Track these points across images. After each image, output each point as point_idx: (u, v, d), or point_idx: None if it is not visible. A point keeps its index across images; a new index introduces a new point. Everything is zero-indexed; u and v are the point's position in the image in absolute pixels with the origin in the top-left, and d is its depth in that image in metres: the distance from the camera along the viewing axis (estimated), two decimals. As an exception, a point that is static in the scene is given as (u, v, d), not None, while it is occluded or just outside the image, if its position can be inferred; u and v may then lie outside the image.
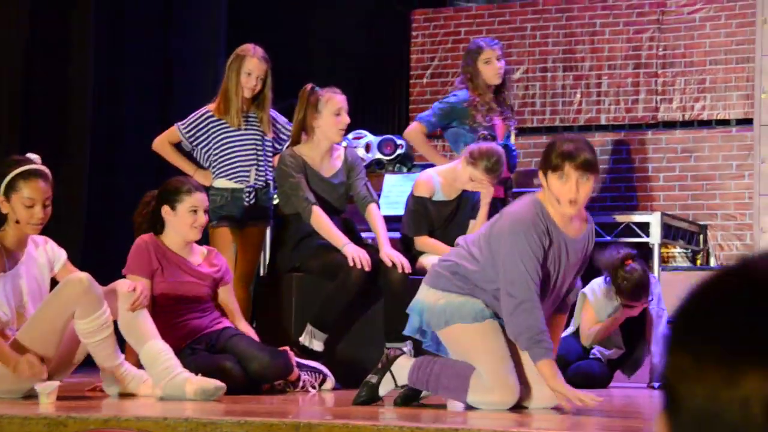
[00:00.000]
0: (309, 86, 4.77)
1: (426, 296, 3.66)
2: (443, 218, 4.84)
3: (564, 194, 3.37)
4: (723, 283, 0.84)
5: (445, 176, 4.84)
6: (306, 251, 4.63)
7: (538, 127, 7.75)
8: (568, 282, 3.61)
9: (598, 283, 5.01)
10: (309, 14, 7.73)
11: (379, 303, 4.62)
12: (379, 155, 6.50)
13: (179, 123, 4.84)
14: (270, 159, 4.91)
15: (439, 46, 7.97)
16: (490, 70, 4.98)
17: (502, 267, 3.42)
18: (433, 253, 4.77)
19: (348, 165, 4.79)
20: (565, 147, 3.39)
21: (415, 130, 5.13)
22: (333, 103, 4.67)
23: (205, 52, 6.41)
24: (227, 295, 4.20)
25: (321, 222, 4.56)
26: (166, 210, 4.10)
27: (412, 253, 4.82)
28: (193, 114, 4.84)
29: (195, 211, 4.09)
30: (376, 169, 6.48)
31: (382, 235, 4.63)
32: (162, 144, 4.87)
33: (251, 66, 4.76)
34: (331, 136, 4.67)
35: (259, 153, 4.82)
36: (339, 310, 4.49)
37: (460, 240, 3.73)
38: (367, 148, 6.51)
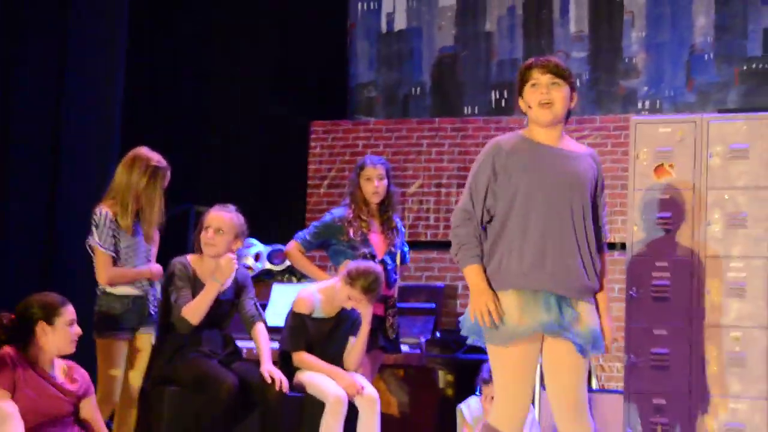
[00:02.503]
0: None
1: None
2: (323, 335, 4.86)
3: (536, 98, 3.46)
4: None
5: (326, 293, 4.88)
6: (180, 362, 4.59)
7: (431, 242, 7.87)
8: (578, 201, 3.47)
9: (474, 399, 5.07)
10: (205, 119, 7.79)
11: (254, 419, 4.59)
12: (269, 265, 6.52)
13: (97, 242, 4.55)
14: None
15: (337, 158, 8.09)
16: (369, 187, 5.08)
17: None
18: (310, 369, 4.78)
19: (238, 285, 4.81)
20: (532, 59, 3.53)
21: (293, 249, 5.16)
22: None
23: (97, 155, 6.38)
24: (91, 410, 4.12)
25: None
26: (42, 326, 4.00)
27: (290, 369, 4.82)
28: (101, 223, 4.55)
29: (71, 324, 4.04)
30: (264, 279, 6.50)
31: (265, 353, 4.63)
32: (111, 275, 4.59)
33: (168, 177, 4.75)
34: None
35: (148, 258, 4.77)
36: (210, 426, 4.44)
37: None
38: (257, 257, 6.53)
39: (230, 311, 4.80)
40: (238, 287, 4.80)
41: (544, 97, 3.45)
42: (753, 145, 4.82)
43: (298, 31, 8.08)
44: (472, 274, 3.47)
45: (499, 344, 3.45)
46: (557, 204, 3.46)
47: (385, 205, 5.13)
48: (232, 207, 4.79)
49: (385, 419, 6.00)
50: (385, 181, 5.12)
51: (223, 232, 4.68)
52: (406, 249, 5.37)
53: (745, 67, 7.32)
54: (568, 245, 3.45)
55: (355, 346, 4.85)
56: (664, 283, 4.89)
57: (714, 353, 4.77)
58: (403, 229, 5.29)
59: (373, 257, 4.99)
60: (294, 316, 4.86)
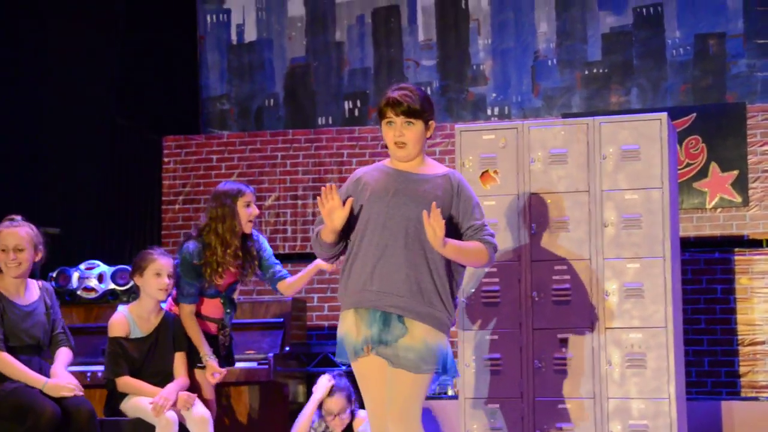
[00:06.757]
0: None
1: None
2: (144, 354, 4.76)
3: (390, 137, 3.56)
4: None
5: (136, 311, 4.79)
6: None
7: (289, 254, 7.82)
8: (414, 222, 3.46)
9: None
10: (50, 134, 7.57)
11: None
12: (112, 285, 6.38)
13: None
14: None
15: (191, 173, 7.98)
16: (245, 214, 4.79)
17: None
18: (135, 393, 4.68)
19: (48, 303, 4.71)
20: (390, 94, 3.57)
21: (185, 313, 4.77)
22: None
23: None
24: None
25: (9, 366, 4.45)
26: None
27: (115, 397, 4.72)
28: None
29: None
30: (109, 300, 6.35)
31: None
32: None
33: None
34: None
35: None
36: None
37: None
38: (100, 278, 6.38)
39: (46, 335, 4.69)
40: (47, 307, 4.70)
41: (398, 138, 3.56)
42: (571, 150, 4.89)
43: (146, 44, 7.94)
44: (321, 232, 3.57)
45: (348, 360, 3.58)
46: (392, 225, 3.51)
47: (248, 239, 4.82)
48: (19, 218, 4.68)
49: (235, 437, 5.93)
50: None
51: (22, 249, 4.57)
52: (278, 268, 5.04)
53: (586, 72, 7.45)
54: (397, 263, 3.48)
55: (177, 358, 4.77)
56: (495, 289, 4.93)
57: (543, 356, 4.83)
58: (264, 246, 5.05)
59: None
60: (110, 342, 4.75)
